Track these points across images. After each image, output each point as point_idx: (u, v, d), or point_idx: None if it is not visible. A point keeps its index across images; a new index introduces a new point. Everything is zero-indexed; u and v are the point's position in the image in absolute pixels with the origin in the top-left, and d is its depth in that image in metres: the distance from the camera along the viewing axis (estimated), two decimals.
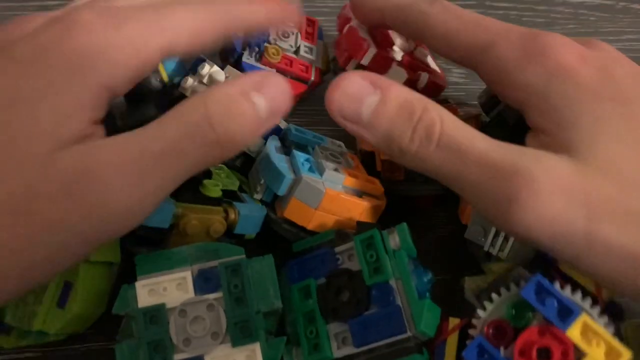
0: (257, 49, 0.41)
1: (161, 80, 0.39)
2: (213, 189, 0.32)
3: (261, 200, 0.34)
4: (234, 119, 0.24)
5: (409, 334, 0.28)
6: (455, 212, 0.36)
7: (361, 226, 0.31)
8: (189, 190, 0.32)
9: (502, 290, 0.28)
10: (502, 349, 0.27)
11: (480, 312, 0.28)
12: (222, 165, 0.37)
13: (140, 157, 0.23)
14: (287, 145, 0.36)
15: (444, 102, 0.39)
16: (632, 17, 0.60)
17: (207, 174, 0.34)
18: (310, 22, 0.45)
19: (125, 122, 0.40)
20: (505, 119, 0.37)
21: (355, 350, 0.28)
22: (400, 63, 0.40)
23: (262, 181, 0.33)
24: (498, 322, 0.27)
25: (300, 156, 0.34)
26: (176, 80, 0.38)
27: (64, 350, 0.32)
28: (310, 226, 0.32)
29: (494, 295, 0.28)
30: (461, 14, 0.30)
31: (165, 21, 0.25)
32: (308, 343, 0.29)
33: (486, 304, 0.28)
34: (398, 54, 0.40)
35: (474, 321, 0.28)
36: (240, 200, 0.34)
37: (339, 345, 0.29)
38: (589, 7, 0.61)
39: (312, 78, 0.42)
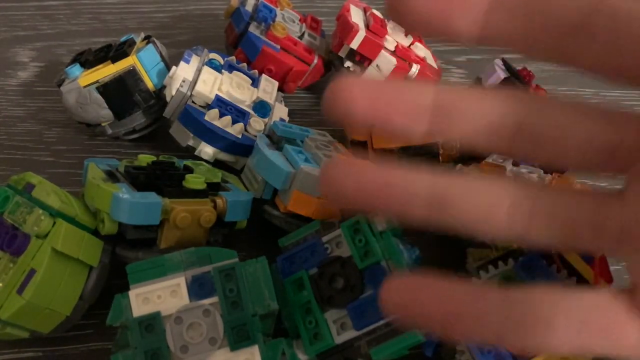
0: (263, 23, 0.42)
1: (147, 90, 0.39)
2: (197, 181, 0.32)
3: (261, 198, 0.34)
4: None
5: None
6: None
7: (346, 213, 0.30)
8: (173, 187, 0.32)
9: (500, 263, 0.28)
10: None
11: (474, 279, 0.28)
12: (201, 162, 0.36)
13: None
14: (276, 142, 0.36)
15: None
16: None
17: (189, 170, 0.34)
18: (315, 20, 0.47)
19: (116, 131, 0.40)
20: None
21: (356, 334, 0.28)
22: (391, 52, 0.41)
23: (259, 179, 0.33)
24: None
25: (293, 149, 0.33)
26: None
27: (64, 350, 0.32)
28: (315, 215, 0.32)
29: (490, 267, 0.28)
30: None
31: None
32: (308, 333, 0.29)
33: (482, 273, 0.28)
34: (391, 43, 0.41)
35: None
36: (225, 190, 0.34)
37: (339, 331, 0.29)
38: None
39: (315, 61, 0.43)
